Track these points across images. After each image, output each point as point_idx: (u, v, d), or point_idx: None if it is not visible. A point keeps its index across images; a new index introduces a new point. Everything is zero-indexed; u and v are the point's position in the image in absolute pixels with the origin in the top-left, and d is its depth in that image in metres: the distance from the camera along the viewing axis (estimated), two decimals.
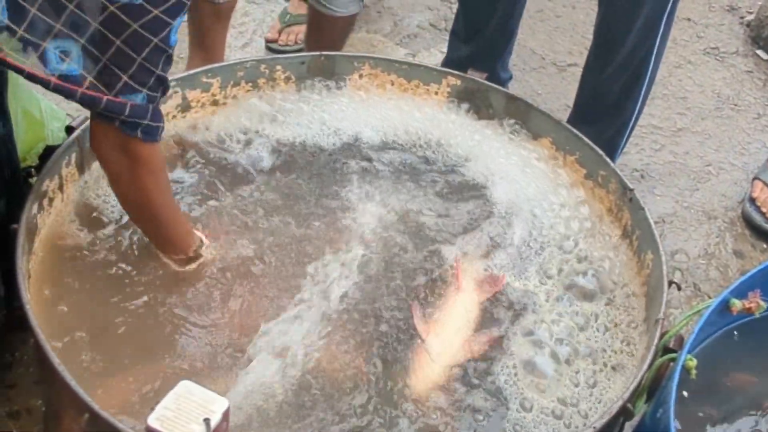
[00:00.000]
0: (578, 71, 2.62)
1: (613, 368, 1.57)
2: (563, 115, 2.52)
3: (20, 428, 1.77)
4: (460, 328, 1.60)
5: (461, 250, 1.74)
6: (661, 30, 2.27)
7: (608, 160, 1.89)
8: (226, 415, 1.20)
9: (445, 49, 2.81)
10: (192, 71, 1.97)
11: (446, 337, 1.58)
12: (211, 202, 1.77)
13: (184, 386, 1.22)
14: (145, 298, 1.57)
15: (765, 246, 2.59)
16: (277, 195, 1.81)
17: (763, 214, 2.55)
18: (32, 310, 1.38)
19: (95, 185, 1.75)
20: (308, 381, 1.48)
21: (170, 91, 1.87)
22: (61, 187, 1.69)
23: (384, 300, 1.63)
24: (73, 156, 1.71)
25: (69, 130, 1.73)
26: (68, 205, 1.70)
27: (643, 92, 2.36)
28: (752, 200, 2.59)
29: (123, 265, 1.62)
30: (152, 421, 1.18)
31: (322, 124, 2.00)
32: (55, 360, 1.31)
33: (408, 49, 3.22)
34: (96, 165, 1.76)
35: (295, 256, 1.68)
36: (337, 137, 1.98)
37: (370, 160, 1.93)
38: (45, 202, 1.63)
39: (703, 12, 3.60)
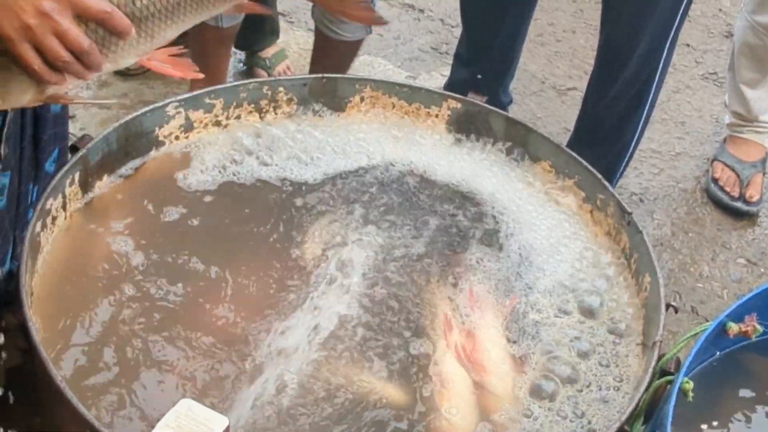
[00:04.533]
0: (578, 95, 2.65)
1: (610, 390, 1.58)
2: (562, 139, 2.55)
3: None
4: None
5: (465, 275, 1.75)
6: (664, 56, 2.30)
7: (606, 183, 1.90)
8: None
9: (445, 72, 2.84)
10: (195, 92, 1.98)
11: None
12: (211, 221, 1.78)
13: (185, 404, 1.23)
14: (148, 316, 1.58)
15: (762, 270, 2.61)
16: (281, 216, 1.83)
17: (727, 192, 2.67)
18: (35, 328, 1.39)
19: (99, 204, 1.77)
20: (313, 398, 1.49)
21: (173, 111, 1.91)
22: (64, 206, 1.70)
23: (394, 327, 1.63)
24: (77, 175, 1.73)
25: (73, 149, 1.75)
26: (71, 223, 1.72)
27: (643, 117, 2.39)
28: (715, 180, 2.71)
29: (126, 283, 1.63)
30: None
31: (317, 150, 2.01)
32: (57, 377, 1.32)
33: (409, 72, 3.25)
34: (100, 184, 1.78)
35: (297, 275, 1.69)
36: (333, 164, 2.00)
37: (368, 186, 1.94)
38: (48, 220, 1.64)
39: (702, 38, 3.65)
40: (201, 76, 1.59)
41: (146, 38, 1.43)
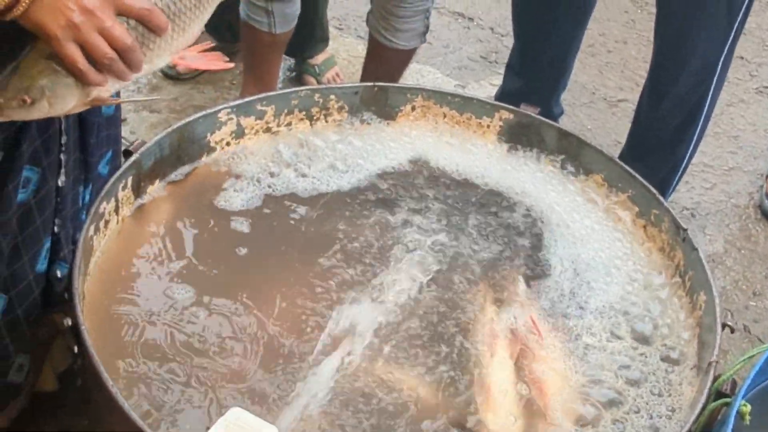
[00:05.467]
0: (629, 107, 2.62)
1: (662, 418, 1.55)
2: (613, 151, 2.52)
3: None
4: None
5: (519, 291, 1.73)
6: (718, 71, 2.26)
7: (661, 198, 1.87)
8: None
9: (494, 81, 2.83)
10: (248, 98, 1.99)
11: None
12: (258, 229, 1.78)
13: (235, 413, 1.23)
14: (198, 323, 1.58)
15: None
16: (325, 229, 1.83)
17: None
18: (87, 331, 1.40)
19: (150, 209, 1.77)
20: (360, 410, 1.48)
21: (225, 117, 1.92)
22: (117, 210, 1.71)
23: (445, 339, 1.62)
24: (130, 179, 1.73)
25: (126, 153, 1.76)
26: (122, 227, 1.73)
27: (697, 132, 2.36)
28: None
29: (176, 290, 1.63)
30: None
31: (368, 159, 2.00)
32: (109, 382, 1.33)
33: (458, 80, 3.24)
34: (151, 188, 1.79)
35: (343, 284, 1.69)
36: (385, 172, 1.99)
37: (421, 197, 1.93)
38: (101, 224, 1.65)
39: (757, 50, 3.59)
40: (231, 65, 1.62)
41: (179, 33, 1.44)
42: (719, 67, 2.23)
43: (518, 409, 1.54)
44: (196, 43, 1.54)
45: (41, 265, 1.63)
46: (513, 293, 1.74)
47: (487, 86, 3.16)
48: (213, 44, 1.61)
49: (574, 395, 1.56)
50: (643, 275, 1.81)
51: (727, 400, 1.39)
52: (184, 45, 1.47)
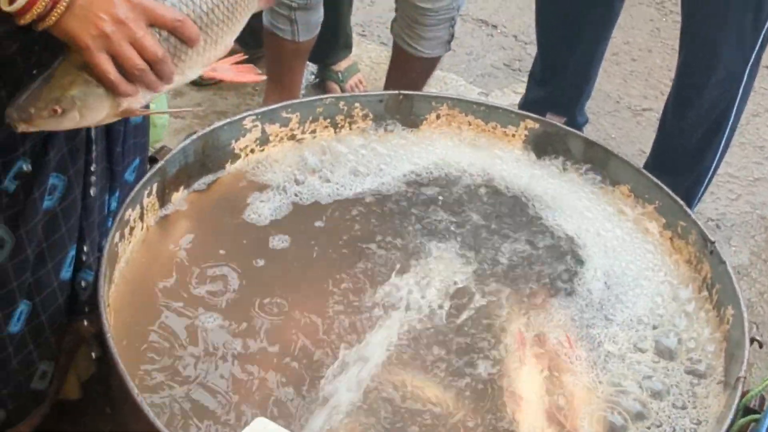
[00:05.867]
0: (653, 116, 2.60)
1: (690, 425, 1.53)
2: (638, 161, 2.50)
3: None
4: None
5: (547, 300, 1.72)
6: (744, 80, 2.24)
7: (688, 210, 1.85)
8: None
9: (518, 89, 2.82)
10: (273, 106, 1.99)
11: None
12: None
13: (260, 423, 1.22)
14: (222, 333, 1.58)
15: None
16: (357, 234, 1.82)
17: None
18: (113, 338, 1.40)
19: (174, 217, 1.78)
20: (385, 421, 1.47)
21: (250, 124, 1.92)
22: (141, 217, 1.71)
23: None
24: (155, 186, 1.74)
25: (152, 160, 1.76)
26: (147, 235, 1.73)
27: (723, 142, 2.34)
28: None
29: (200, 299, 1.63)
30: None
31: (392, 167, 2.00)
32: (134, 390, 1.33)
33: (481, 88, 3.23)
34: (176, 196, 1.79)
35: (366, 295, 1.68)
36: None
37: (448, 203, 1.92)
38: (126, 231, 1.66)
39: None
40: (263, 77, 1.61)
41: (211, 45, 1.44)
42: (745, 76, 2.22)
43: (547, 419, 1.53)
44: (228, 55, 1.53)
45: (66, 273, 1.64)
46: (543, 302, 1.73)
47: (510, 94, 3.15)
48: (245, 56, 1.61)
49: (601, 406, 1.55)
50: (671, 287, 1.79)
51: (756, 416, 1.37)
52: (216, 57, 1.47)
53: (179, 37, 1.34)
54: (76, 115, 1.32)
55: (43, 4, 1.21)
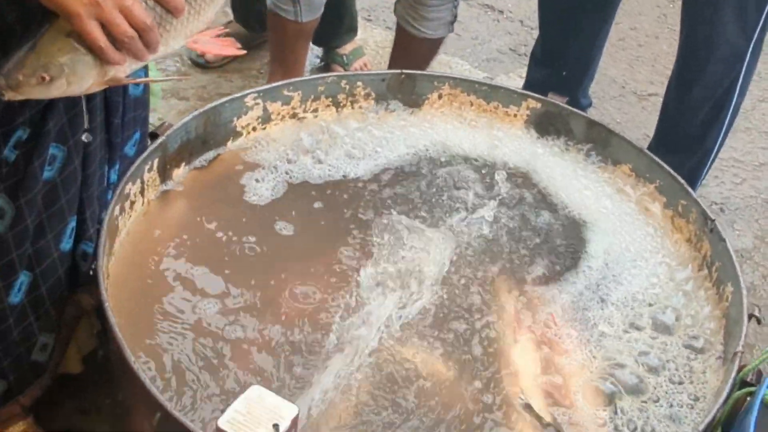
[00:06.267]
0: (659, 101, 2.59)
1: (683, 407, 1.53)
2: (642, 145, 2.49)
3: (90, 424, 1.80)
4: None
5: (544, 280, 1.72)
6: (746, 61, 2.23)
7: (689, 189, 1.85)
8: (294, 421, 1.21)
9: (524, 74, 2.81)
10: (274, 84, 1.99)
11: None
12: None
13: (256, 391, 1.23)
14: (221, 304, 1.58)
15: None
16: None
17: None
18: (111, 310, 1.41)
19: (175, 192, 1.78)
20: (382, 390, 1.48)
21: (252, 102, 1.92)
22: (142, 192, 1.72)
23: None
24: (156, 161, 1.74)
25: (153, 136, 1.77)
26: (148, 209, 1.74)
27: (726, 124, 2.33)
28: None
29: (199, 272, 1.64)
30: (222, 423, 1.19)
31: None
32: (131, 358, 1.33)
33: (486, 73, 3.22)
34: (177, 172, 1.80)
35: (364, 269, 1.69)
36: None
37: (446, 182, 1.93)
38: (126, 205, 1.66)
39: None
40: (244, 52, 1.62)
41: (194, 17, 1.45)
42: (748, 55, 2.21)
43: (542, 392, 1.53)
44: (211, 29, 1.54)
45: (66, 244, 1.64)
46: (541, 281, 1.73)
47: (516, 79, 3.14)
48: (227, 30, 1.62)
49: (595, 379, 1.55)
50: (669, 268, 1.79)
51: (752, 389, 1.37)
52: (198, 29, 1.48)
53: (165, 6, 1.35)
54: (63, 83, 1.33)
55: None
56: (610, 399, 1.53)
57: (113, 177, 1.78)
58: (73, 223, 1.64)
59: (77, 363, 1.81)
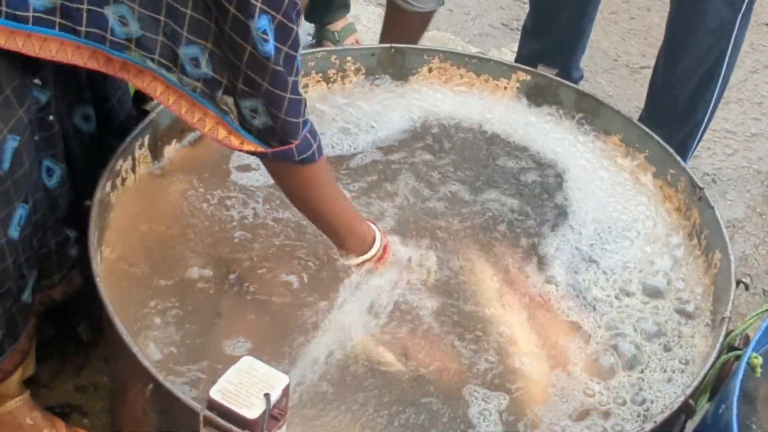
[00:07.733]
0: (651, 74, 2.58)
1: (675, 372, 1.55)
2: (634, 117, 2.50)
3: (86, 402, 1.82)
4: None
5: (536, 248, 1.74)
6: (735, 32, 2.23)
7: (678, 158, 1.86)
8: (286, 391, 1.22)
9: (516, 49, 2.80)
10: None
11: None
12: None
13: (247, 361, 1.24)
14: (214, 276, 1.60)
15: None
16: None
17: None
18: (103, 284, 1.42)
19: (167, 168, 1.79)
20: (374, 363, 1.50)
21: None
22: (133, 168, 1.73)
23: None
24: (147, 138, 1.75)
25: (145, 112, 1.77)
26: (140, 185, 1.74)
27: (715, 95, 2.32)
28: None
29: (193, 245, 1.65)
30: (214, 393, 1.20)
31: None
32: (123, 331, 1.35)
33: (478, 48, 3.21)
34: (168, 149, 1.81)
35: None
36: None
37: (438, 153, 1.93)
38: (118, 181, 1.67)
39: None
40: None
41: None
42: (736, 26, 2.20)
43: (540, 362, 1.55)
44: None
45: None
46: (533, 247, 1.74)
47: (508, 53, 3.13)
48: None
49: (593, 349, 1.57)
50: (661, 237, 1.80)
51: (738, 352, 1.39)
52: None
53: None
54: None
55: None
56: (609, 373, 1.55)
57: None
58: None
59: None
